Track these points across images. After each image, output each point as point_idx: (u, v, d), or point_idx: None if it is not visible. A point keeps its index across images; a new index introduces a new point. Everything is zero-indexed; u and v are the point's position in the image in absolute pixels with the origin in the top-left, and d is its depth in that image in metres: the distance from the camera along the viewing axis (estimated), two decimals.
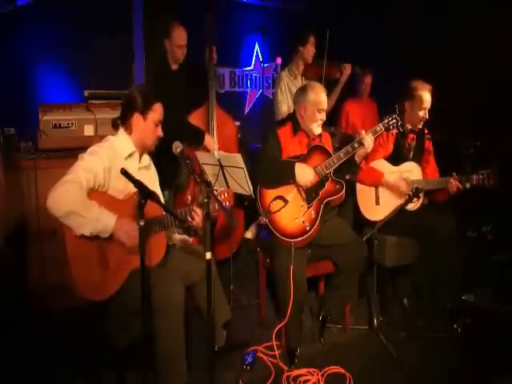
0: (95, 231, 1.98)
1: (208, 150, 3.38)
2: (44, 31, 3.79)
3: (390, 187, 2.99)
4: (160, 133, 2.25)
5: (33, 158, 2.99)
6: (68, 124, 3.21)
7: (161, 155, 2.48)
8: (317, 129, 2.74)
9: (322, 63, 3.75)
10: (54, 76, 3.89)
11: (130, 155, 2.21)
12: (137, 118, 2.18)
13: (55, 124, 3.17)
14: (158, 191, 2.38)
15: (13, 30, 3.60)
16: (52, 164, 2.97)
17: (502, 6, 3.73)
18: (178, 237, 2.43)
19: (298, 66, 3.83)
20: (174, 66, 3.47)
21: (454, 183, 2.90)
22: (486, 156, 2.88)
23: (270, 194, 2.64)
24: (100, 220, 1.96)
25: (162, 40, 3.38)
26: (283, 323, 2.55)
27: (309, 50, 3.76)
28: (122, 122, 2.22)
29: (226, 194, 2.21)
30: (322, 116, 2.72)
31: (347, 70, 3.90)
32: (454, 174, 2.93)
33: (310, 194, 2.64)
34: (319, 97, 2.69)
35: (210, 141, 3.43)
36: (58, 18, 3.86)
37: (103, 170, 2.05)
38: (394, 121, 2.73)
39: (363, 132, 2.66)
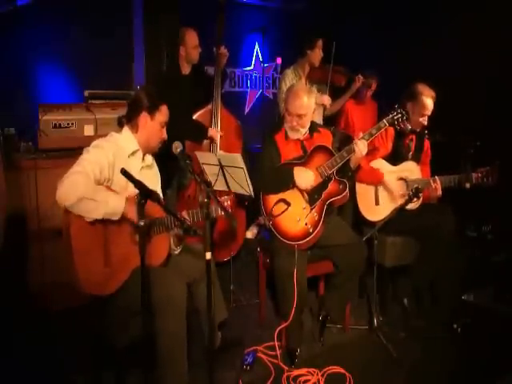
0: (106, 214, 1.98)
1: (213, 143, 3.46)
2: (44, 31, 3.78)
3: (388, 189, 2.98)
4: (164, 135, 2.27)
5: (33, 158, 2.99)
6: (68, 124, 3.21)
7: (161, 154, 2.48)
8: (291, 133, 2.70)
9: (328, 68, 3.72)
10: (53, 76, 3.89)
11: (134, 153, 2.22)
12: (144, 118, 2.19)
13: (55, 124, 3.16)
14: (160, 191, 2.38)
15: (13, 30, 3.60)
16: (52, 164, 2.96)
17: (501, 6, 3.73)
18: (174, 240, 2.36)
19: (304, 68, 3.80)
20: (185, 71, 3.51)
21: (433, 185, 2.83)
22: (486, 156, 2.88)
23: (273, 197, 2.63)
24: (110, 202, 1.98)
25: (174, 48, 3.43)
26: (286, 324, 2.54)
27: (316, 54, 3.74)
28: (128, 120, 2.23)
29: (228, 202, 2.22)
30: (299, 121, 2.63)
31: (359, 82, 3.91)
32: (436, 177, 2.87)
33: (313, 195, 2.61)
34: (293, 104, 2.60)
35: (214, 132, 3.46)
36: (58, 18, 3.85)
37: (107, 164, 2.07)
38: (400, 115, 2.63)
39: (358, 137, 2.58)
